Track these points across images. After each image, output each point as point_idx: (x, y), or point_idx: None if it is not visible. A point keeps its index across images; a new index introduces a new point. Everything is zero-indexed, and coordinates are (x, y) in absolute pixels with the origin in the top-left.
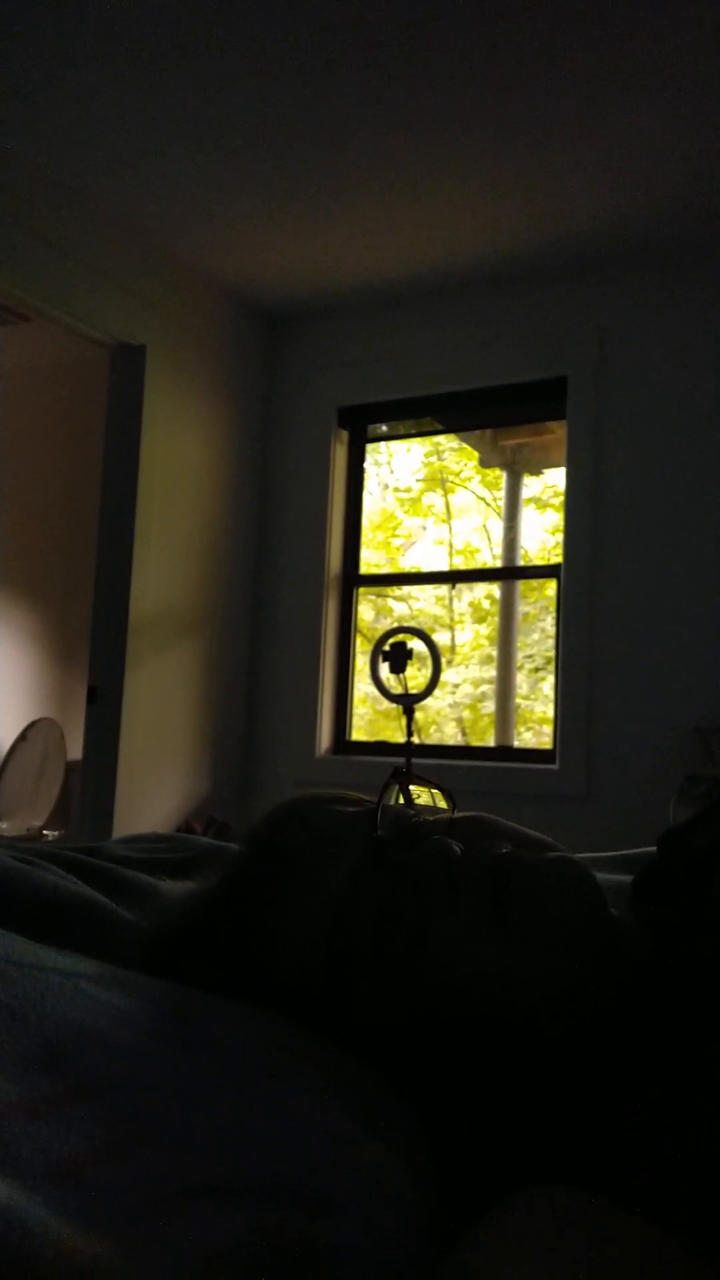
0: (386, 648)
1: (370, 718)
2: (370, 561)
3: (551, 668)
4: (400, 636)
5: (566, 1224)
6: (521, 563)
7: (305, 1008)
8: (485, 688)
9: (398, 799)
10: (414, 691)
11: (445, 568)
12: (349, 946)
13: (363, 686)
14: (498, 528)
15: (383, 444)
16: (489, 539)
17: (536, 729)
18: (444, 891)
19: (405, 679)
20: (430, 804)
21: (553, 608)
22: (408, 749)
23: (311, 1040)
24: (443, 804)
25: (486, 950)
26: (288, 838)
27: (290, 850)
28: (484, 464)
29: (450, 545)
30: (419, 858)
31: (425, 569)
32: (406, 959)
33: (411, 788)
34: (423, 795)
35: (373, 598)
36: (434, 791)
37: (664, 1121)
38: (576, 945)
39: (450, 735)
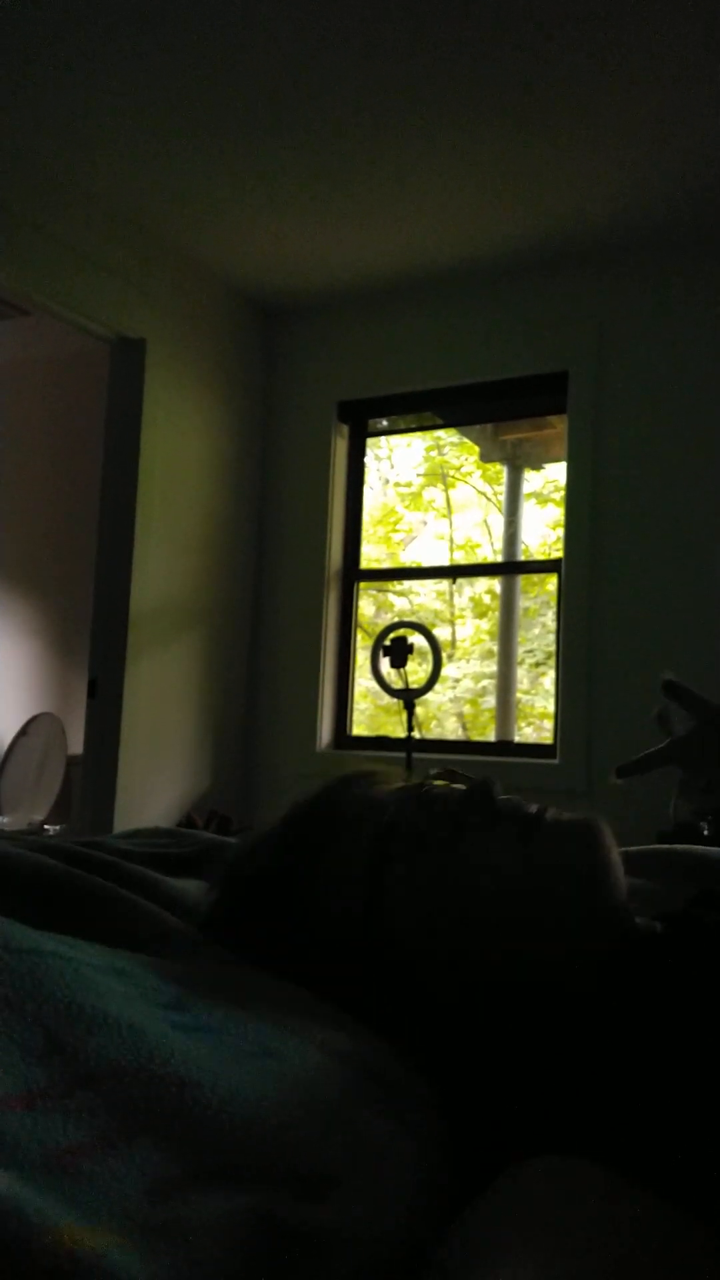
0: (387, 642)
1: (371, 712)
2: (371, 556)
3: (552, 662)
4: (401, 631)
5: (570, 1196)
6: (522, 557)
7: (344, 948)
8: (486, 682)
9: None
10: (415, 686)
11: (446, 562)
12: (386, 872)
13: (363, 681)
14: (498, 522)
15: (383, 438)
16: (490, 534)
17: (537, 724)
18: (478, 817)
19: (406, 674)
20: None
21: (553, 602)
22: (408, 744)
23: (322, 1014)
24: None
25: (510, 864)
26: (343, 797)
27: (343, 807)
28: (485, 458)
29: (451, 540)
30: (462, 793)
31: (426, 564)
32: (438, 868)
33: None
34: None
35: (373, 592)
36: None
37: (673, 1095)
38: (585, 884)
39: (451, 730)
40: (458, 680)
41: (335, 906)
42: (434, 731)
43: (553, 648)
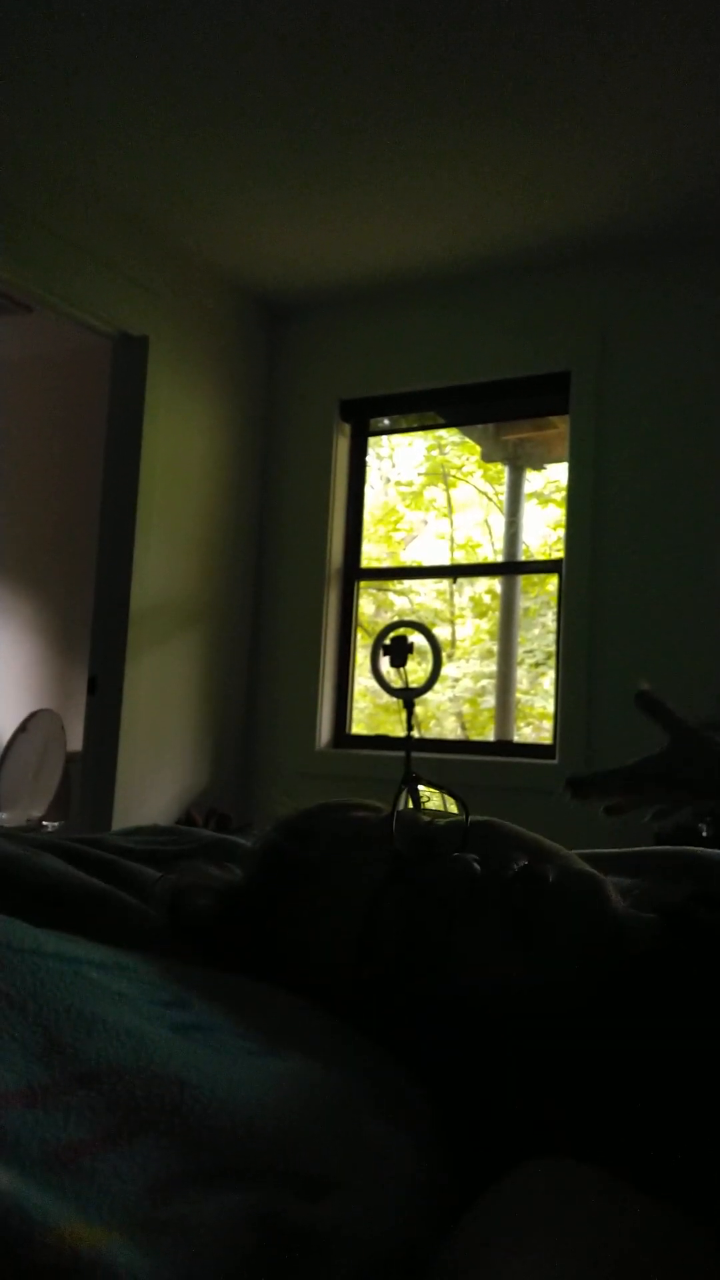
0: (387, 641)
1: (370, 711)
2: (371, 555)
3: (552, 663)
4: (401, 630)
5: (570, 1198)
6: (523, 557)
7: (331, 1009)
8: (485, 682)
9: (407, 803)
10: (414, 685)
11: (446, 562)
12: (376, 963)
13: (363, 680)
14: (499, 522)
15: (385, 437)
16: (490, 533)
17: (536, 724)
18: (467, 912)
19: (405, 673)
20: (440, 806)
21: (554, 603)
22: (408, 743)
23: (321, 1019)
24: (453, 808)
25: (510, 967)
26: (306, 851)
27: (309, 863)
28: (486, 458)
29: (451, 539)
30: (442, 876)
31: (426, 563)
32: (431, 976)
33: (422, 789)
34: (433, 799)
35: (374, 591)
36: (446, 797)
37: (673, 1097)
38: (584, 952)
39: (450, 729)
40: (457, 680)
41: (321, 988)
42: (433, 731)
43: (553, 648)
